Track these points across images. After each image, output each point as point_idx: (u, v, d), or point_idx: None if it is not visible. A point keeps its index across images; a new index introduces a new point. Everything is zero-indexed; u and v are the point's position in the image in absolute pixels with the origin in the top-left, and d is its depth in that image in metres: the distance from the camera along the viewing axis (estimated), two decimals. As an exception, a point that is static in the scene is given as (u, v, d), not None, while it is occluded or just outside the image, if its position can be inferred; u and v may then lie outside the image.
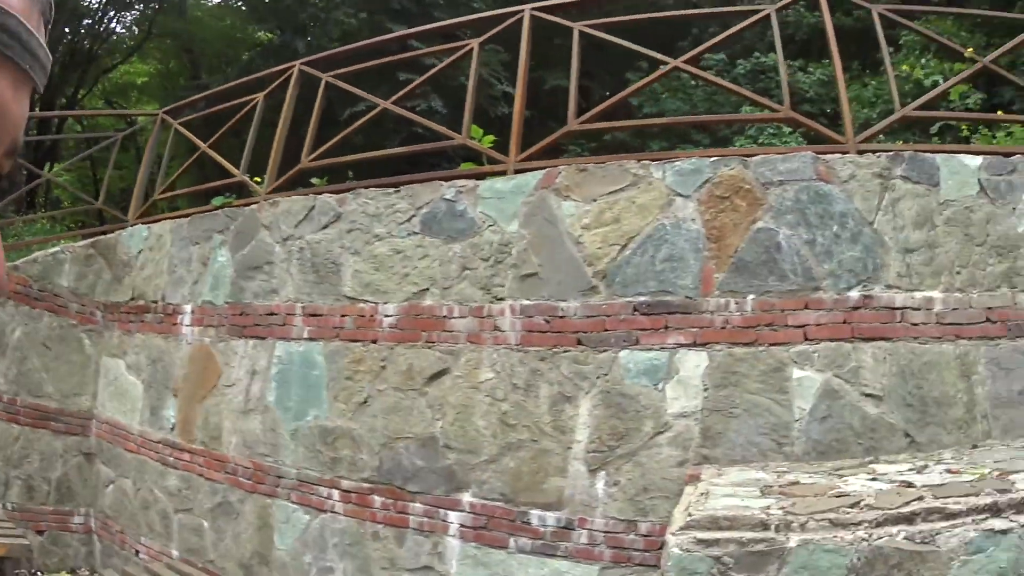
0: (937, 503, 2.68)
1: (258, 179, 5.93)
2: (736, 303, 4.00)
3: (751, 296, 4.00)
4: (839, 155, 4.23)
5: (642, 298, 4.10)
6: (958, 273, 4.13)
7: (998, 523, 2.60)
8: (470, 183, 4.64)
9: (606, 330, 4.13)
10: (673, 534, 2.74)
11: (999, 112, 7.61)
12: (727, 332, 4.00)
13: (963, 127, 7.17)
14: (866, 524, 2.63)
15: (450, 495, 4.43)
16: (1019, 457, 3.53)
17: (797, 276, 4.02)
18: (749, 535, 2.63)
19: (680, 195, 4.13)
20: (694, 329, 4.04)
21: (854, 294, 4.03)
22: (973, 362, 4.08)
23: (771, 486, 3.26)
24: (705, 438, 3.95)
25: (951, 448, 3.97)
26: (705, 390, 3.98)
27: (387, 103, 5.62)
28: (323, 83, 5.77)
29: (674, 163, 4.20)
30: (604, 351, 4.12)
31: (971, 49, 5.51)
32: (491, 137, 5.13)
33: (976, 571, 2.55)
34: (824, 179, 4.11)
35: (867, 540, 2.56)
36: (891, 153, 4.25)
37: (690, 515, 2.79)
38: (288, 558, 4.99)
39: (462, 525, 4.39)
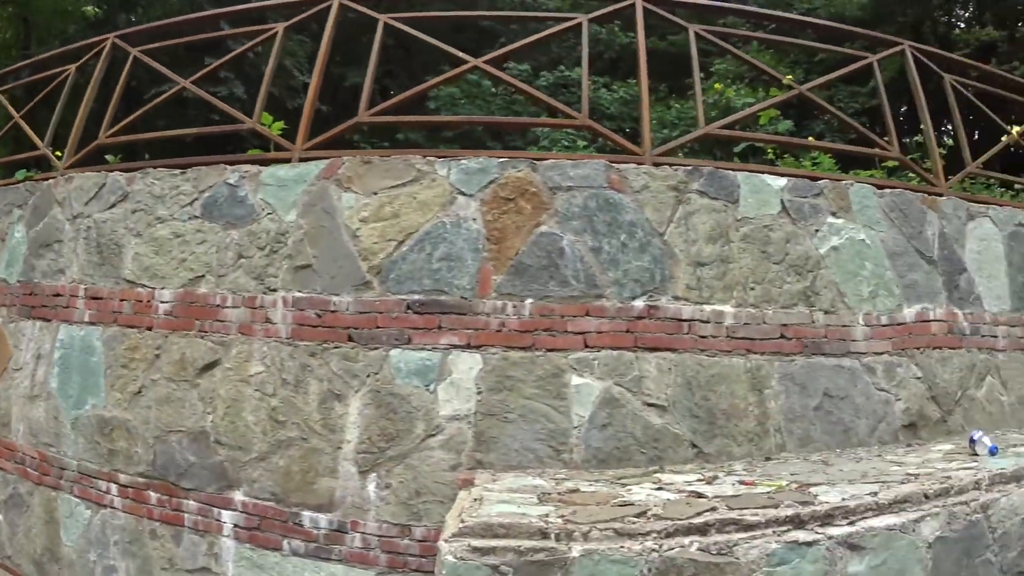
0: (733, 514, 2.59)
1: (59, 153, 5.60)
2: (514, 306, 3.88)
3: (529, 300, 3.89)
4: (633, 165, 4.18)
5: (416, 296, 3.93)
6: (752, 289, 4.16)
7: (802, 535, 2.58)
8: (254, 169, 4.39)
9: (378, 327, 3.94)
10: (446, 541, 2.58)
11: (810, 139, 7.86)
12: (503, 335, 3.85)
13: (769, 151, 7.34)
14: (655, 534, 2.48)
15: (223, 493, 4.17)
16: (817, 471, 3.57)
17: (579, 283, 3.93)
18: (527, 543, 2.48)
19: (463, 194, 4.00)
20: (468, 331, 3.87)
21: (639, 304, 3.97)
22: (766, 376, 4.13)
23: (549, 493, 3.14)
24: (479, 442, 3.79)
25: (742, 460, 3.98)
26: (479, 393, 3.82)
27: (186, 82, 5.35)
28: (130, 58, 5.48)
29: (460, 161, 4.06)
30: (375, 349, 3.94)
31: (790, 76, 5.61)
32: (281, 124, 4.93)
33: None
34: (616, 188, 4.05)
35: (657, 551, 2.41)
36: (689, 167, 4.23)
37: (463, 521, 2.64)
38: (75, 555, 4.61)
39: (236, 525, 4.13)
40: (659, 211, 4.08)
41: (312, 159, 4.35)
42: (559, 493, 3.12)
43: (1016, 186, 7.38)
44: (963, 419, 4.78)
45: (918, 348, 4.61)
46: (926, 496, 2.94)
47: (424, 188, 4.02)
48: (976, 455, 3.77)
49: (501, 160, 4.04)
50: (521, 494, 3.08)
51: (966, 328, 4.90)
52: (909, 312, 4.62)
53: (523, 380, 3.83)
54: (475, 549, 2.48)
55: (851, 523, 2.70)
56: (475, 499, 3.02)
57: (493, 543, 2.50)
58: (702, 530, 2.53)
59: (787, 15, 6.78)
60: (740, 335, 4.09)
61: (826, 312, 4.34)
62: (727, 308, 4.09)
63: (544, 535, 2.50)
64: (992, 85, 6.37)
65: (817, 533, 2.59)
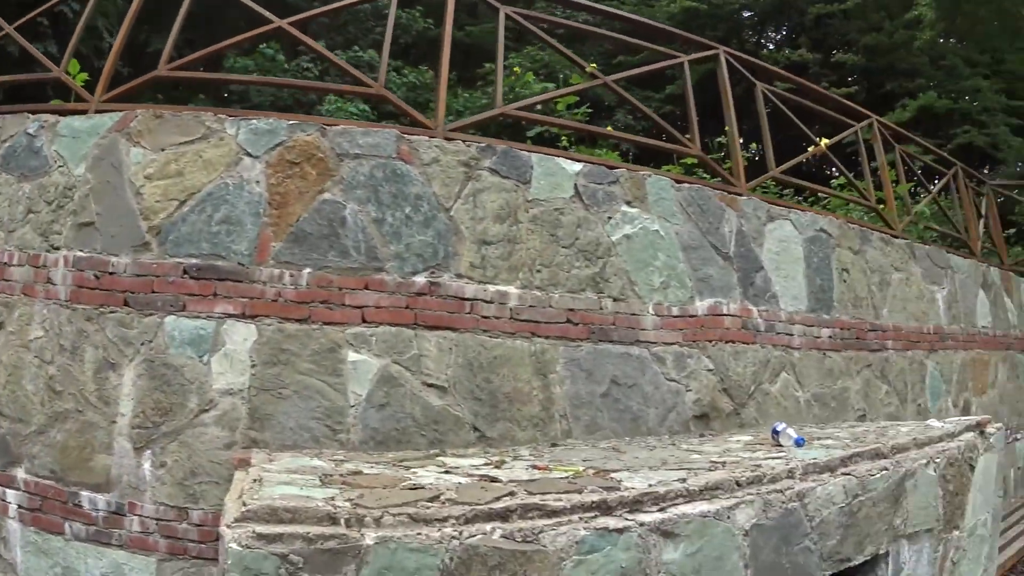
0: (535, 499, 2.36)
1: None
2: (291, 276, 3.61)
3: (308, 270, 3.64)
4: (426, 138, 4.05)
5: (193, 260, 3.62)
6: (539, 271, 4.03)
7: (612, 522, 2.39)
8: (52, 118, 4.07)
9: (154, 292, 3.60)
10: (229, 526, 2.29)
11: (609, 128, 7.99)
12: (279, 306, 3.55)
13: (564, 139, 7.40)
14: (453, 520, 2.24)
15: (6, 470, 3.79)
16: (610, 457, 3.42)
17: (360, 254, 3.67)
18: (316, 530, 2.22)
19: (250, 155, 3.71)
20: (244, 299, 3.53)
21: (420, 279, 3.77)
22: (551, 361, 4.02)
23: (331, 475, 2.89)
24: (253, 419, 3.49)
25: (527, 445, 3.82)
26: (253, 367, 3.52)
27: (9, 28, 4.91)
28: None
29: (250, 120, 3.77)
30: (150, 315, 3.61)
31: (593, 64, 5.62)
32: (85, 75, 4.61)
33: (594, 571, 2.29)
34: (405, 159, 3.84)
35: (458, 538, 2.19)
36: (483, 144, 4.09)
37: (245, 505, 2.37)
38: None
39: (20, 506, 3.76)
40: (447, 186, 3.90)
41: (108, 111, 4.02)
42: (341, 475, 2.86)
43: (819, 195, 7.72)
44: (757, 412, 4.86)
45: (710, 341, 4.63)
46: (738, 484, 2.86)
47: (211, 147, 3.74)
48: (780, 446, 3.75)
49: (291, 123, 3.80)
50: (301, 475, 2.82)
51: (761, 324, 4.99)
52: (702, 305, 4.65)
53: (298, 354, 3.57)
54: (261, 536, 2.16)
55: (662, 509, 2.56)
56: (254, 480, 2.72)
57: (279, 529, 2.21)
58: (504, 516, 2.31)
59: (600, 6, 6.79)
60: (525, 317, 3.96)
61: (615, 299, 4.27)
62: (512, 289, 3.96)
63: (333, 520, 2.18)
64: (803, 98, 6.59)
65: (627, 520, 2.43)
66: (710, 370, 4.62)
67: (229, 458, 3.46)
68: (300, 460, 3.15)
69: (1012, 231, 14.04)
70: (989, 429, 4.21)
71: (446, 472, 2.91)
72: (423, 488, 2.55)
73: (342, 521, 2.23)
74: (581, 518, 2.35)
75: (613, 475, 2.88)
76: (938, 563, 3.73)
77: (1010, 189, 11.53)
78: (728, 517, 2.65)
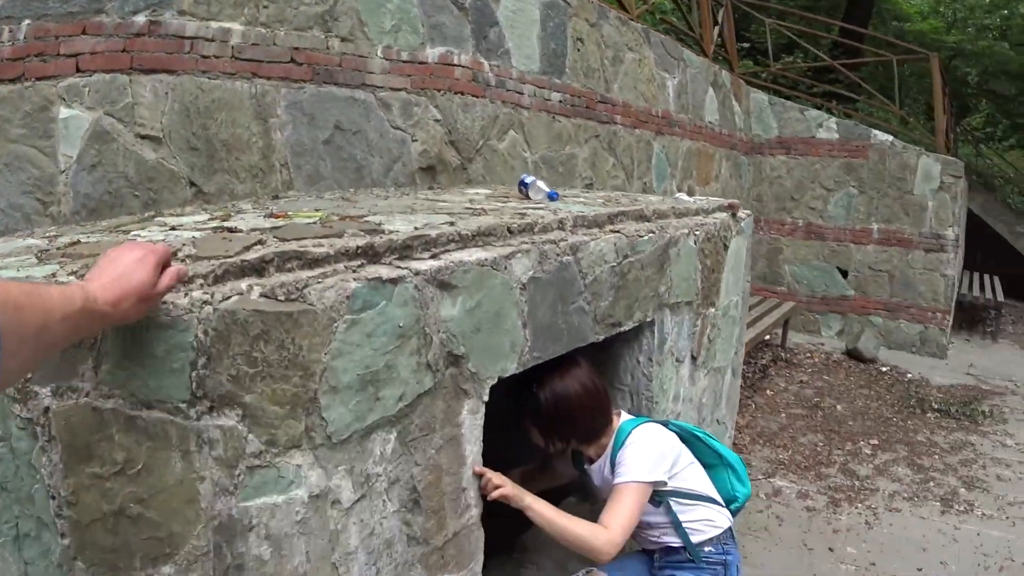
0: (292, 245, 1.96)
1: None
2: (10, 31, 2.88)
3: (27, 22, 2.92)
4: None
5: None
6: (266, 7, 3.52)
7: (385, 271, 2.02)
8: None
9: None
10: None
11: None
12: None
13: None
14: (201, 280, 1.78)
15: None
16: (345, 206, 3.08)
17: None
18: None
19: None
20: None
21: (140, 19, 3.16)
22: (272, 104, 3.61)
23: (47, 250, 2.32)
24: None
25: (247, 199, 3.46)
26: None
27: None
28: None
29: None
30: None
31: None
32: None
33: (370, 332, 1.95)
34: None
35: (211, 303, 1.72)
36: None
37: None
38: None
39: None
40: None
41: None
42: (59, 248, 2.34)
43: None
44: (484, 169, 4.73)
45: (439, 90, 4.41)
46: (510, 231, 2.60)
47: None
48: (529, 199, 3.57)
49: None
50: (16, 257, 2.26)
51: (492, 79, 4.83)
52: (433, 52, 4.39)
53: (10, 119, 2.87)
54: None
55: (435, 256, 2.22)
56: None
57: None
58: (259, 269, 1.89)
59: None
60: (247, 56, 3.49)
61: (344, 40, 3.89)
62: (236, 26, 3.46)
63: None
64: None
65: (400, 268, 2.05)
66: (438, 120, 4.42)
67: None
68: (13, 244, 2.56)
69: (746, 44, 14.61)
70: (740, 213, 4.25)
71: (172, 230, 2.44)
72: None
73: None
74: (348, 267, 1.99)
75: (368, 219, 2.59)
76: (696, 337, 3.79)
77: (749, 5, 11.82)
78: (505, 268, 2.39)
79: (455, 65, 4.60)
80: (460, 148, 4.65)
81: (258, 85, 3.57)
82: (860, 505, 5.61)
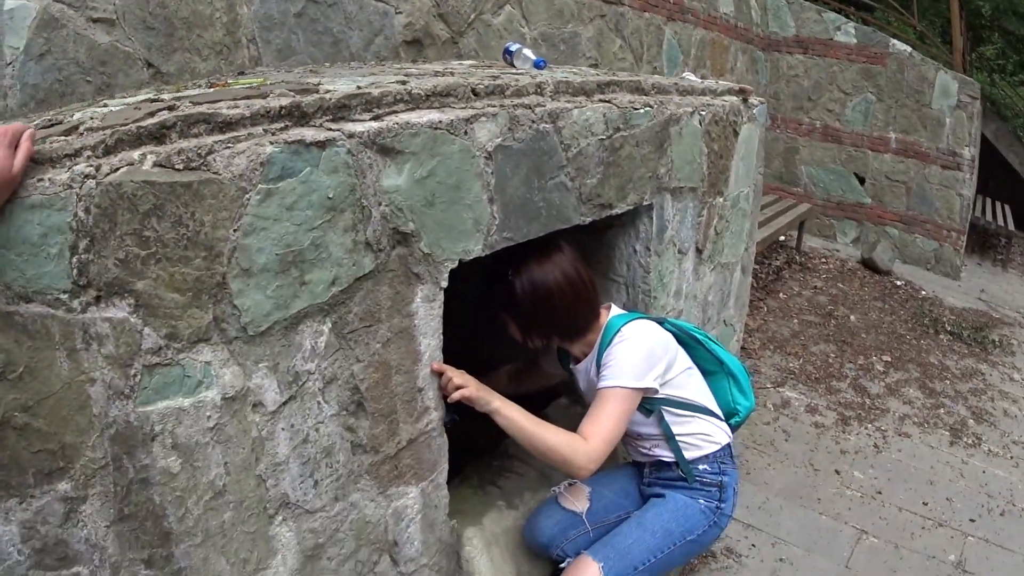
0: (202, 108, 1.64)
1: None
2: None
3: None
4: None
5: None
6: None
7: (310, 133, 1.70)
8: None
9: None
10: None
11: None
12: None
13: None
14: (89, 152, 1.45)
15: None
16: (307, 75, 2.78)
17: None
18: None
19: None
20: None
21: None
22: None
23: None
24: None
25: (208, 77, 3.16)
26: None
27: None
28: None
29: None
30: None
31: None
32: None
33: (290, 204, 1.66)
34: None
35: (95, 176, 1.41)
36: None
37: None
38: None
39: None
40: None
41: None
42: None
43: None
44: (477, 44, 4.41)
45: None
46: (475, 92, 2.23)
47: None
48: (515, 67, 3.22)
49: None
50: None
51: None
52: None
53: None
54: None
55: (377, 118, 1.88)
56: None
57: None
58: (158, 136, 1.58)
59: None
60: None
61: None
62: None
63: None
64: None
65: (331, 130, 1.73)
66: None
67: None
68: None
69: None
70: (752, 99, 3.87)
71: (104, 107, 2.10)
72: (61, 123, 1.77)
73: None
74: (267, 130, 1.66)
75: (308, 81, 2.23)
76: (702, 228, 3.47)
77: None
78: (465, 132, 2.03)
79: (442, -71, 4.14)
80: (449, 21, 4.29)
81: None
82: (870, 426, 5.36)
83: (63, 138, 1.57)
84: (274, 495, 1.81)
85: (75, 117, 1.81)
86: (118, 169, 1.47)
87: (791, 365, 6.07)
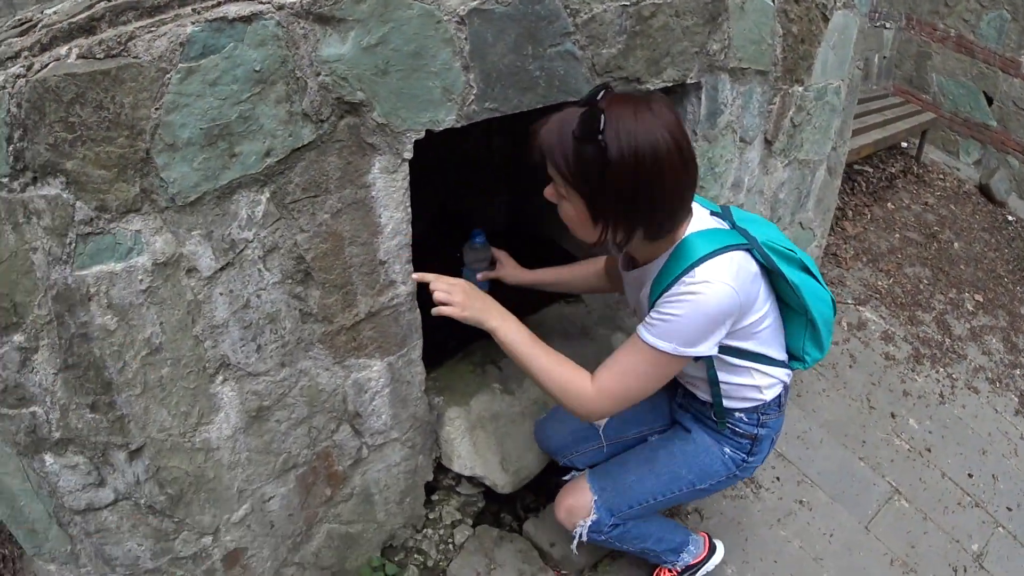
0: None
1: None
2: None
3: None
4: None
5: None
6: None
7: (235, 8, 1.82)
8: None
9: None
10: None
11: None
12: None
13: None
14: (26, 53, 1.69)
15: None
16: None
17: None
18: None
19: None
20: None
21: None
22: None
23: None
24: None
25: None
26: None
27: None
28: None
29: None
30: None
31: None
32: None
33: (214, 81, 1.81)
34: None
35: (25, 75, 1.59)
36: None
37: None
38: None
39: None
40: None
41: None
42: None
43: None
44: None
45: None
46: None
47: None
48: None
49: None
50: None
51: None
52: None
53: None
54: None
55: None
56: None
57: None
58: (88, 29, 1.79)
59: None
60: None
61: None
62: None
63: None
64: None
65: (259, 3, 1.87)
66: None
67: None
68: None
69: None
70: None
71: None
72: (28, 22, 1.93)
73: None
74: (195, 9, 1.86)
75: None
76: (773, 118, 3.36)
77: None
78: None
79: None
80: None
81: None
82: (942, 370, 5.19)
83: (17, 39, 1.79)
84: (212, 355, 2.18)
85: (43, 15, 2.01)
86: (46, 66, 1.71)
87: (880, 283, 5.94)
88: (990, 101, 9.32)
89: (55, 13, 1.95)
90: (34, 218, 1.78)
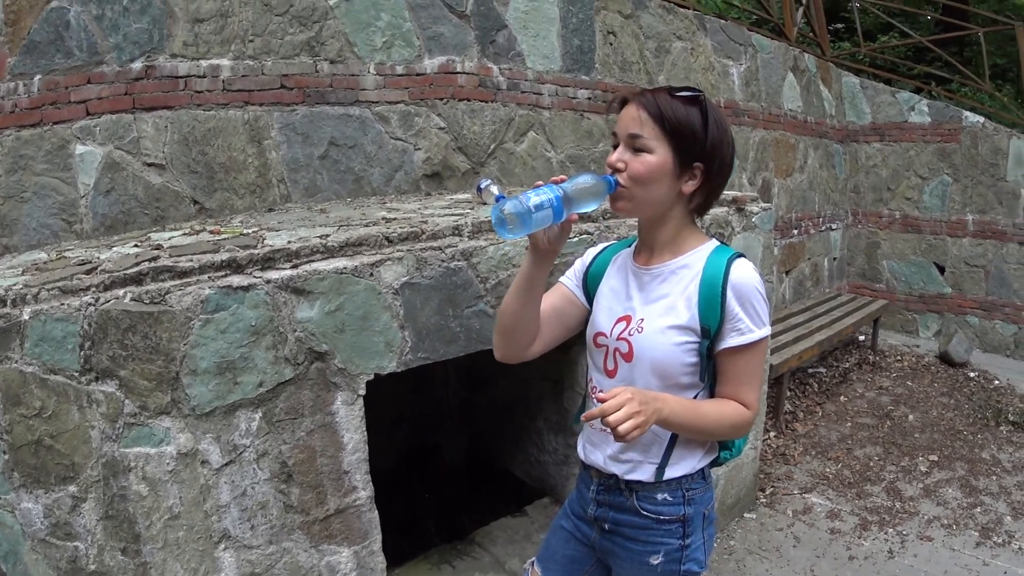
0: (168, 262, 2.85)
1: None
2: (24, 85, 4.06)
3: (38, 76, 4.08)
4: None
5: None
6: (251, 41, 4.58)
7: (238, 279, 2.82)
8: None
9: None
10: None
11: None
12: (16, 116, 4.01)
13: None
14: (94, 288, 2.73)
15: None
16: (307, 218, 3.90)
17: (82, 52, 4.14)
18: None
19: None
20: None
21: (137, 65, 4.25)
22: (265, 127, 4.54)
23: (38, 262, 3.16)
24: (3, 227, 3.98)
25: (244, 212, 4.43)
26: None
27: None
28: None
29: None
30: None
31: None
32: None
33: (224, 329, 2.76)
34: None
35: (94, 305, 2.54)
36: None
37: None
38: None
39: None
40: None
41: None
42: (46, 262, 3.28)
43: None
44: (500, 171, 5.47)
45: (441, 99, 5.18)
46: (388, 240, 3.25)
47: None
48: (485, 203, 4.08)
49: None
50: (12, 268, 3.18)
51: (503, 83, 5.50)
52: (431, 63, 5.15)
53: (34, 158, 4.07)
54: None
55: (295, 266, 2.99)
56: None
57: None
58: (137, 280, 2.76)
59: None
60: (237, 87, 4.53)
61: (332, 62, 4.82)
62: (224, 61, 4.46)
63: (2, 302, 2.67)
64: None
65: (255, 277, 2.87)
66: (442, 128, 5.20)
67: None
68: (32, 255, 3.66)
69: (840, 26, 14.49)
70: (750, 207, 4.67)
71: (135, 246, 3.30)
72: (88, 263, 3.04)
73: (9, 302, 2.67)
74: (211, 277, 2.84)
75: (267, 234, 3.39)
76: None
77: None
78: (371, 274, 3.14)
79: (457, 73, 5.38)
80: (469, 153, 5.39)
81: (250, 112, 4.64)
82: (891, 530, 5.52)
83: (84, 277, 2.79)
84: (217, 528, 3.08)
85: (102, 256, 3.16)
86: (108, 301, 2.69)
87: (827, 470, 6.50)
88: (942, 270, 10.18)
89: (110, 262, 2.99)
90: (94, 405, 2.67)
